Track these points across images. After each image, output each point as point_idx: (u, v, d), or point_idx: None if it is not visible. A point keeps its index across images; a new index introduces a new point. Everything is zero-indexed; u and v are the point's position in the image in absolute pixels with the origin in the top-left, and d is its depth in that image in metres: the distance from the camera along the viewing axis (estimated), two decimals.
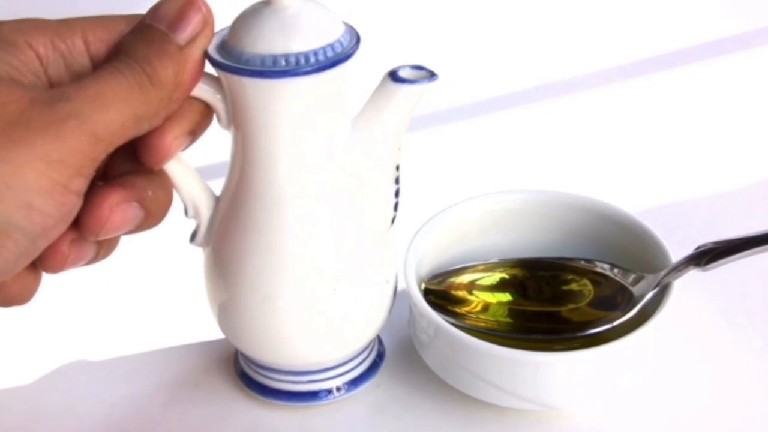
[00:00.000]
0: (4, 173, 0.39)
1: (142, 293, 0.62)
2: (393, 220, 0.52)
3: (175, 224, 0.51)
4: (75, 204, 0.42)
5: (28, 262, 0.43)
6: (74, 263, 0.45)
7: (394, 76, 0.48)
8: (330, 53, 0.46)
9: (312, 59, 0.46)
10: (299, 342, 0.51)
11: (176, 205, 0.51)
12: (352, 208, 0.50)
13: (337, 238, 0.50)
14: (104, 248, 0.47)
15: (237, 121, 0.48)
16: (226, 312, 0.52)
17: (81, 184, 0.42)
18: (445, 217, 0.57)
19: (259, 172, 0.48)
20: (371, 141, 0.49)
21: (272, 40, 0.46)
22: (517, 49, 0.87)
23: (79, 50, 0.45)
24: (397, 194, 0.51)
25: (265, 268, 0.49)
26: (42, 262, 0.44)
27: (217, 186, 0.52)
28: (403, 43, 0.84)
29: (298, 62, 0.46)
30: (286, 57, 0.46)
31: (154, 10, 0.44)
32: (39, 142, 0.40)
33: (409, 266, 0.54)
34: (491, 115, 0.79)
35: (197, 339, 0.58)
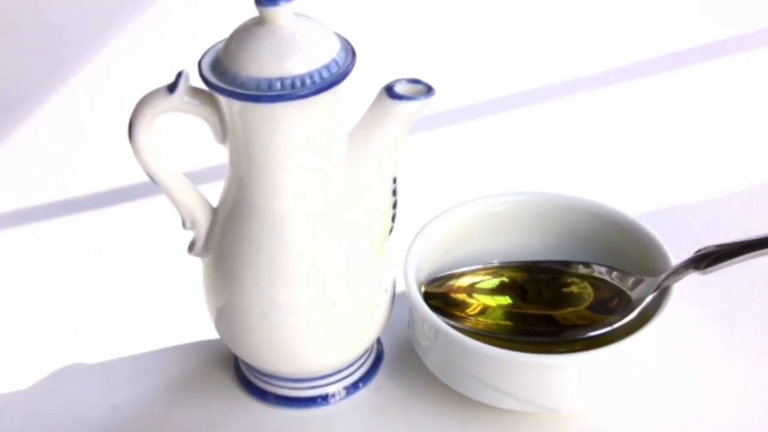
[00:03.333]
0: None
1: (141, 294, 0.62)
2: (391, 231, 0.52)
3: (176, 224, 0.51)
4: None
5: None
6: None
7: (390, 92, 0.48)
8: (326, 74, 0.46)
9: (308, 81, 0.45)
10: (299, 353, 0.51)
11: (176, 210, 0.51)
12: (351, 222, 0.50)
13: (336, 252, 0.49)
14: None
15: (232, 139, 0.48)
16: (225, 322, 0.52)
17: None
18: (445, 219, 0.57)
19: (257, 190, 0.48)
20: (368, 156, 0.49)
21: (267, 63, 0.45)
22: (515, 51, 0.87)
23: None
24: (394, 206, 0.51)
25: (264, 282, 0.49)
26: None
27: (215, 189, 0.52)
28: (399, 45, 0.84)
29: (293, 85, 0.45)
30: (282, 80, 0.45)
31: None
32: None
33: (409, 269, 0.54)
34: (490, 117, 0.78)
35: (198, 339, 0.58)
